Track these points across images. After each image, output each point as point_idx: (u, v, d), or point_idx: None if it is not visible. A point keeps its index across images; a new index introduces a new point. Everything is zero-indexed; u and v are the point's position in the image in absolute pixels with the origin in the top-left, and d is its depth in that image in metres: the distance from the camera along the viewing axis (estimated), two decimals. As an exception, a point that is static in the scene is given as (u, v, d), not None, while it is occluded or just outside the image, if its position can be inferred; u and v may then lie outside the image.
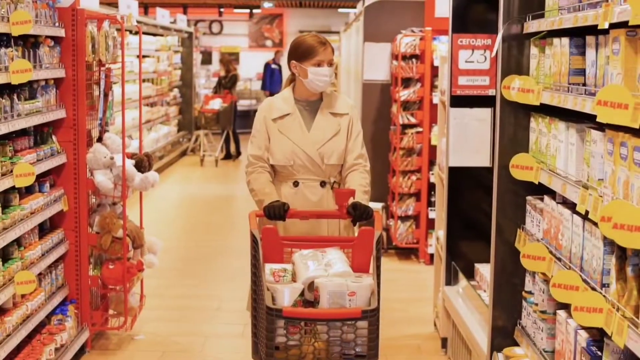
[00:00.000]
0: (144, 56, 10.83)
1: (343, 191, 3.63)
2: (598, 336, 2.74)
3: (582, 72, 2.89)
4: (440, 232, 5.17)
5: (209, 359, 4.92)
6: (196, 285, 6.49)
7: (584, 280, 2.72)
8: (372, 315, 3.00)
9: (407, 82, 7.20)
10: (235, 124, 14.23)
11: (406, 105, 7.19)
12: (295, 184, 3.82)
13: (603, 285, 2.60)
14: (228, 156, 14.05)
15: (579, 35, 2.92)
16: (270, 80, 17.49)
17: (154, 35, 12.79)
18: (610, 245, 2.55)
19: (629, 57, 2.39)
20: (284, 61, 18.57)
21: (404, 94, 7.13)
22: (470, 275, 4.64)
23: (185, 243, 7.96)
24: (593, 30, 2.68)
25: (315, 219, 3.76)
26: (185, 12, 18.61)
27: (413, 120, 7.16)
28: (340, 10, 19.88)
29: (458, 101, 4.74)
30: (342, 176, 3.88)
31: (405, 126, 7.20)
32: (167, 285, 6.38)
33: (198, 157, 13.80)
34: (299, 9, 21.08)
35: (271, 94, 17.10)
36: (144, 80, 11.19)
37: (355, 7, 13.37)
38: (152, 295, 5.73)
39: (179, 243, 7.81)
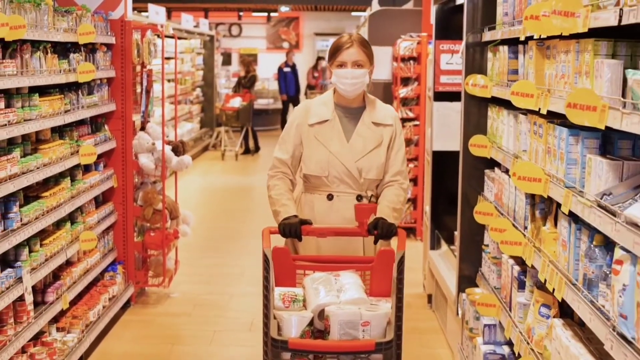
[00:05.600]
0: (170, 58, 11.81)
1: (363, 207, 3.39)
2: (525, 269, 3.69)
3: (516, 71, 3.83)
4: (427, 206, 6.12)
5: (234, 311, 5.89)
6: (221, 257, 7.48)
7: (514, 225, 3.67)
8: (387, 348, 2.71)
9: (405, 81, 8.16)
10: (253, 121, 15.19)
11: (405, 102, 8.16)
12: (330, 197, 3.54)
13: (525, 228, 3.55)
14: (247, 151, 15.02)
15: (516, 44, 3.86)
16: (285, 84, 17.81)
17: (179, 38, 13.79)
18: (530, 197, 3.50)
19: (539, 61, 3.33)
20: (297, 60, 19.53)
21: (402, 92, 8.09)
22: (450, 241, 5.58)
23: (210, 225, 8.94)
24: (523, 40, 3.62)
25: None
26: (206, 16, 19.60)
27: (411, 115, 8.11)
28: (353, 13, 20.82)
29: (440, 96, 5.72)
30: (377, 192, 3.62)
31: (404, 120, 8.16)
32: (195, 257, 7.36)
33: (219, 152, 14.79)
34: (314, 12, 22.05)
35: (288, 97, 17.90)
36: (170, 80, 12.20)
37: (365, 11, 14.29)
38: (183, 264, 6.70)
39: (204, 225, 8.79)
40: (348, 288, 3.00)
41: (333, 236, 3.42)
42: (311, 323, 2.90)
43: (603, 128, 2.41)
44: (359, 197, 3.54)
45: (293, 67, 18.07)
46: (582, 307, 2.63)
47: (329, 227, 3.41)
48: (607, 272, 2.47)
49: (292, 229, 3.30)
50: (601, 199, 2.51)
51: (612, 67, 2.44)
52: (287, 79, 17.81)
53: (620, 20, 2.24)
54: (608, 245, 2.53)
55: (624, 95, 2.39)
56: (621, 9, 2.24)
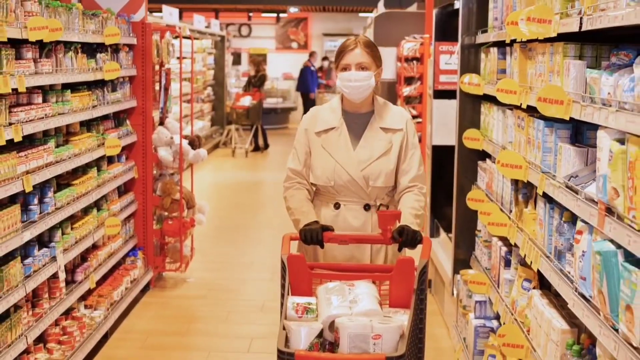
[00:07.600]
0: (185, 58, 12.20)
1: (387, 213, 3.25)
2: (511, 249, 4.08)
3: (504, 71, 4.22)
4: (427, 197, 6.52)
5: (246, 294, 6.30)
6: (232, 247, 7.89)
7: (501, 210, 4.07)
8: None
9: (409, 80, 8.57)
10: (263, 119, 15.58)
11: (408, 100, 8.57)
12: (336, 205, 3.46)
13: (510, 211, 3.94)
14: (257, 148, 15.43)
15: (504, 46, 4.25)
16: (311, 81, 18.23)
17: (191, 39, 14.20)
18: (514, 183, 3.90)
19: (522, 62, 3.73)
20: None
21: (406, 91, 8.50)
22: (449, 230, 5.96)
23: (220, 217, 9.35)
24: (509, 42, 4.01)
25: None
26: (217, 17, 20.02)
27: (414, 112, 8.52)
28: (360, 14, 21.21)
29: (439, 94, 6.12)
30: (395, 199, 3.50)
31: (407, 117, 8.56)
32: (208, 246, 7.78)
33: (230, 150, 15.20)
34: (322, 13, 22.44)
35: (310, 95, 18.31)
36: (185, 79, 12.61)
37: (372, 12, 14.69)
38: (198, 253, 7.11)
39: (215, 217, 9.18)
40: (361, 299, 2.90)
41: (355, 243, 3.36)
42: (321, 334, 2.79)
43: (568, 119, 2.81)
44: (367, 207, 3.45)
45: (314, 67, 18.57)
46: (553, 275, 3.04)
47: (352, 235, 3.33)
48: (572, 243, 2.87)
49: (314, 234, 3.21)
50: (569, 180, 2.90)
51: (577, 66, 2.84)
52: (313, 77, 18.33)
53: (580, 27, 2.64)
54: (574, 220, 2.93)
55: (587, 91, 2.78)
56: (581, 18, 2.64)
